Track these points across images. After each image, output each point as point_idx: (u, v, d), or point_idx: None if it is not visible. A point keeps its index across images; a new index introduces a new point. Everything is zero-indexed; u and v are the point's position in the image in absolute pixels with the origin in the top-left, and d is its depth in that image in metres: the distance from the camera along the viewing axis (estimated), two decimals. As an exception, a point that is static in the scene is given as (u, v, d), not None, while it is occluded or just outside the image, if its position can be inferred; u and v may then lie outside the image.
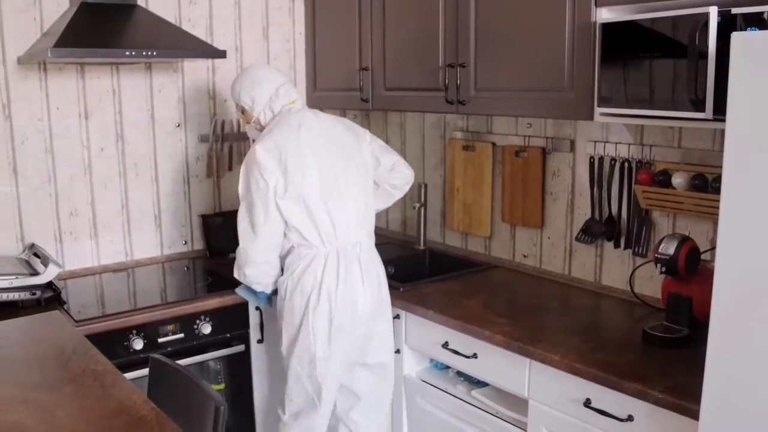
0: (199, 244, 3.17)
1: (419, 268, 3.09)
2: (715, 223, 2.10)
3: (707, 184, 2.12)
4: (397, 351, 2.52)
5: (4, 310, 2.28)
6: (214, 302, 2.52)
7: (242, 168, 2.34)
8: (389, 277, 2.50)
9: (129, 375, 2.09)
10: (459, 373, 2.45)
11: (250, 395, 2.68)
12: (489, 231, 2.95)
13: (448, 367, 2.51)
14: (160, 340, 2.42)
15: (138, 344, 2.36)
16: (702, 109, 1.75)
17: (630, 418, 1.80)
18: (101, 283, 2.81)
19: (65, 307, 2.42)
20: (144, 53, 2.44)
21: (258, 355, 2.66)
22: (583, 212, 2.58)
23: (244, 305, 2.58)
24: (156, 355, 1.97)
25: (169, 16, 2.90)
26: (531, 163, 2.71)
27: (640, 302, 2.35)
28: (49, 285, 2.45)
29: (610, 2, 2.04)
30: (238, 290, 2.51)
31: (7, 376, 1.79)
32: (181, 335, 2.47)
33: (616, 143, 2.42)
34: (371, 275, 2.37)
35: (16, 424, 1.50)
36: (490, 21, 2.39)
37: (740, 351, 1.46)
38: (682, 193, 2.18)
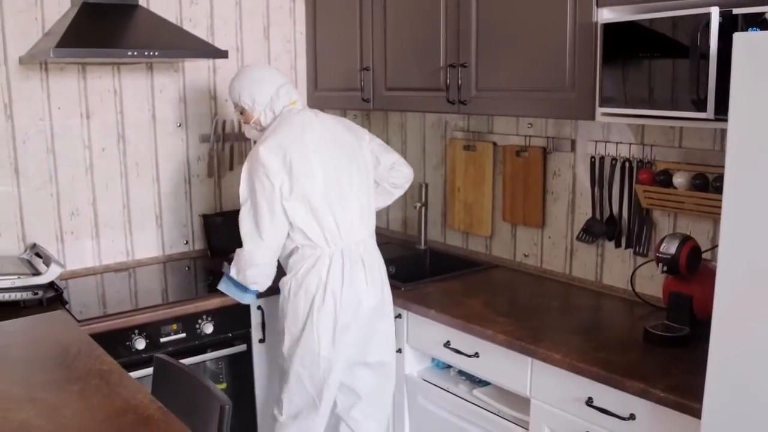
0: (200, 244, 3.17)
1: (420, 267, 3.10)
2: (716, 222, 2.13)
3: (708, 183, 2.13)
4: (399, 350, 2.53)
5: (6, 310, 2.29)
6: (215, 302, 2.52)
7: (244, 169, 2.31)
8: (390, 276, 2.51)
9: (132, 375, 2.07)
10: (460, 373, 2.46)
11: (251, 395, 2.68)
12: (490, 231, 2.95)
13: (449, 367, 2.51)
14: (162, 339, 2.42)
15: (140, 344, 2.36)
16: (703, 109, 1.76)
17: (632, 417, 1.81)
18: (103, 283, 2.81)
19: (67, 307, 2.42)
20: (146, 53, 2.45)
21: (260, 355, 2.66)
22: (584, 212, 2.59)
23: (245, 305, 2.58)
24: (160, 355, 1.98)
25: (170, 16, 2.90)
26: (532, 162, 2.72)
27: (641, 301, 2.36)
28: (51, 285, 2.45)
29: (612, 2, 2.05)
30: (222, 287, 2.45)
31: (14, 375, 1.80)
32: (183, 335, 2.47)
33: (617, 143, 2.43)
34: (374, 275, 2.38)
35: (23, 424, 1.51)
36: (492, 21, 2.39)
37: (742, 349, 1.47)
38: (683, 192, 2.19)
